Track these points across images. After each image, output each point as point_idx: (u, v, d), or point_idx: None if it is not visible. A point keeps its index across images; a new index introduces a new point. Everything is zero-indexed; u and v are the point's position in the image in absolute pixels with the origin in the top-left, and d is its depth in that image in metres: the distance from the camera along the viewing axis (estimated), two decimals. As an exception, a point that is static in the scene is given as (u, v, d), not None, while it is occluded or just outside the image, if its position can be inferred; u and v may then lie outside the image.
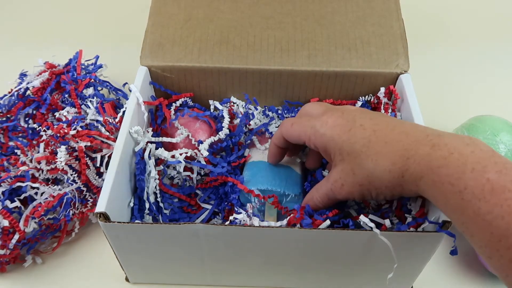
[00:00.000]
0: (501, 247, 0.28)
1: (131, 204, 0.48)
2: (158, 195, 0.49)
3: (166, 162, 0.49)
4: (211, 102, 0.56)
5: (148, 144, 0.49)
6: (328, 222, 0.40)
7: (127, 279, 0.49)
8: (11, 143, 0.55)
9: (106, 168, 0.48)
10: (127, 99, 0.53)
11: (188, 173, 0.50)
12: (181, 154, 0.49)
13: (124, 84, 0.60)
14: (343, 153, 0.37)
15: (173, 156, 0.49)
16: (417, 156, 0.33)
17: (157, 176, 0.48)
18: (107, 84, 0.59)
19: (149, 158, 0.48)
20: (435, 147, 0.32)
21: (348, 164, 0.37)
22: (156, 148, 0.50)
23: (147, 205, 0.48)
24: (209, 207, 0.50)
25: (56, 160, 0.49)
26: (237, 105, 0.56)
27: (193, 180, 0.51)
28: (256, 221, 0.42)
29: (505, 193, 0.28)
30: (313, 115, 0.41)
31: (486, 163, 0.30)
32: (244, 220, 0.42)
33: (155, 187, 0.48)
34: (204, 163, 0.50)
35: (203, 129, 0.53)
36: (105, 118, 0.52)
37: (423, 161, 0.32)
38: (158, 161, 0.50)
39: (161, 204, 0.49)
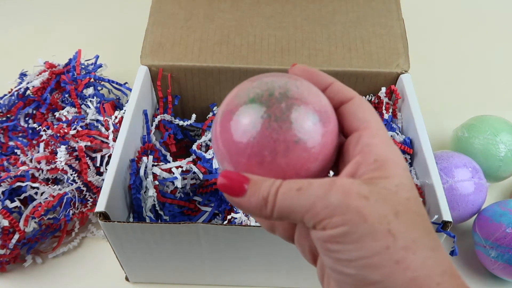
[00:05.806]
0: None
1: (131, 219, 0.47)
2: (157, 205, 0.48)
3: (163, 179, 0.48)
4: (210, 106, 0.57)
5: (143, 158, 0.47)
6: None
7: (127, 279, 0.49)
8: (11, 143, 0.55)
9: (106, 168, 0.48)
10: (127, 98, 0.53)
11: (186, 182, 0.49)
12: (177, 168, 0.48)
13: (124, 84, 0.60)
14: None
15: (169, 171, 0.48)
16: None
17: (155, 194, 0.47)
18: (108, 80, 0.59)
19: (145, 175, 0.46)
20: None
21: None
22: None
23: (147, 219, 0.47)
24: (209, 209, 0.50)
25: (56, 160, 0.49)
26: None
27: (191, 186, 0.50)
28: (252, 221, 0.42)
29: None
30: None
31: None
32: (242, 220, 0.42)
33: (153, 200, 0.47)
34: (201, 173, 0.49)
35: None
36: (105, 118, 0.52)
37: None
38: (155, 174, 0.48)
39: (160, 212, 0.49)
